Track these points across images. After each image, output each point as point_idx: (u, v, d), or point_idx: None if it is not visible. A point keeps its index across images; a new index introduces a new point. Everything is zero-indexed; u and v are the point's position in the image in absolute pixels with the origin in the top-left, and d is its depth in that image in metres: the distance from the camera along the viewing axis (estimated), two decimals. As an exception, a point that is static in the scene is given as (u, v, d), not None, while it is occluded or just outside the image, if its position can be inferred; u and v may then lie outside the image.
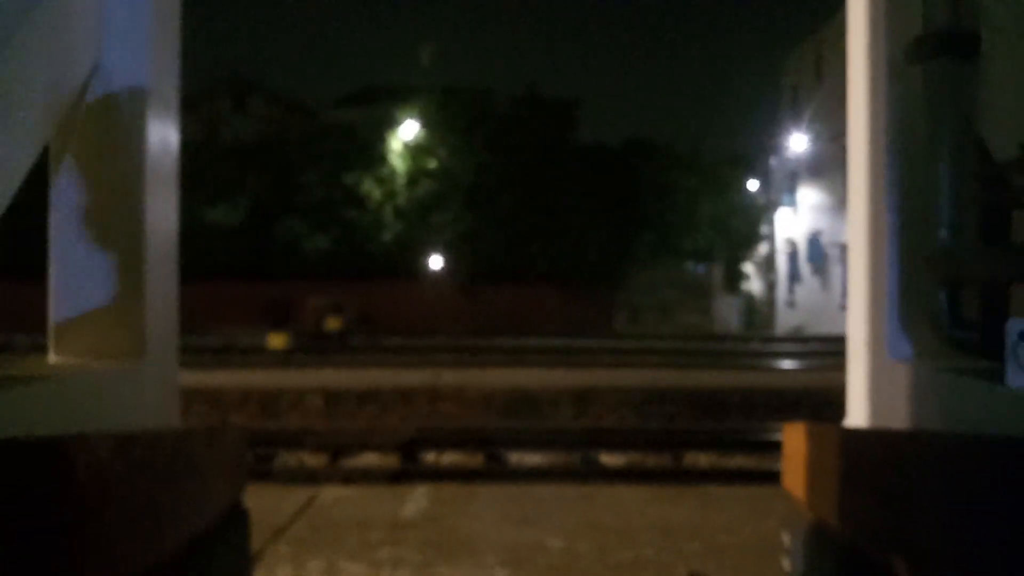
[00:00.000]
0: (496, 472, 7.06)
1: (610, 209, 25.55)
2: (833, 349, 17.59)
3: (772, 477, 6.81)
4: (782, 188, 31.85)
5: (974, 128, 2.28)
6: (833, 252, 29.21)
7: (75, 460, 1.49)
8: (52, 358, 2.37)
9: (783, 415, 9.29)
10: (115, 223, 2.34)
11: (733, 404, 9.72)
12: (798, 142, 31.00)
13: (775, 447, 7.81)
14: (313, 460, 7.09)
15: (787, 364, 14.67)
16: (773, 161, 31.93)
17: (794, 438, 2.62)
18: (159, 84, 2.46)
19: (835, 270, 29.08)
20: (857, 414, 2.62)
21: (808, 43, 31.54)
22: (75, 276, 2.35)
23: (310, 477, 6.32)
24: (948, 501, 1.64)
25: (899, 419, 2.32)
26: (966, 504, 1.55)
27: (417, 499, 5.76)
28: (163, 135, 2.52)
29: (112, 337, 2.32)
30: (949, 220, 2.25)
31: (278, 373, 9.18)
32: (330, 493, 5.80)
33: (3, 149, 1.82)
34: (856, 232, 2.70)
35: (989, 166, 2.25)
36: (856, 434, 2.36)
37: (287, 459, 7.08)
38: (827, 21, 29.37)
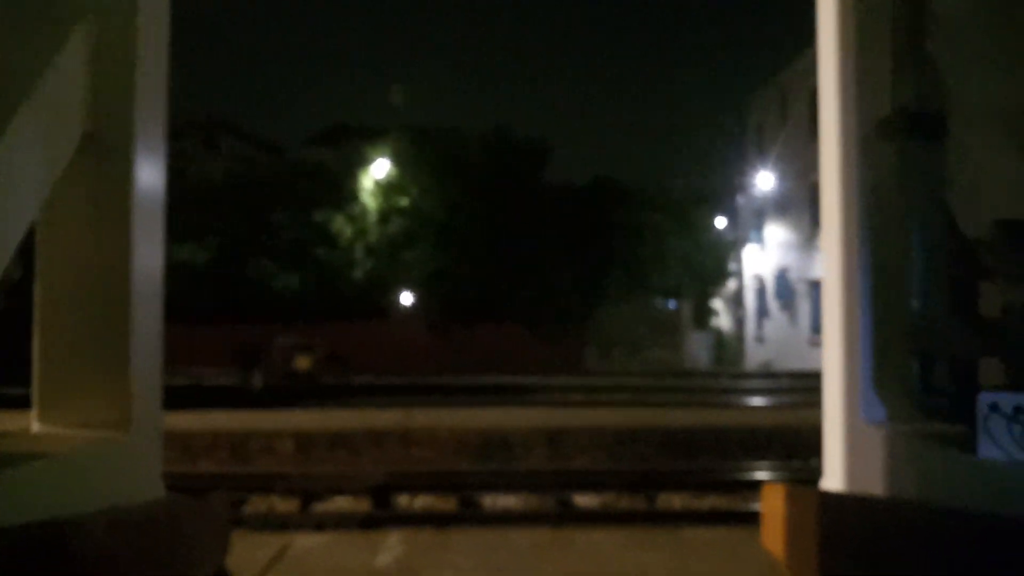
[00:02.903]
0: (470, 517, 7.02)
1: (580, 247, 25.86)
2: (802, 385, 17.81)
3: (746, 519, 6.90)
4: (749, 225, 32.44)
5: (943, 203, 2.41)
6: (800, 288, 29.68)
7: (69, 545, 1.51)
8: (36, 427, 2.36)
9: (755, 454, 9.39)
10: (102, 298, 2.35)
11: (705, 443, 9.77)
12: (764, 180, 31.67)
13: (747, 486, 7.92)
14: (284, 506, 7.00)
15: (757, 401, 14.82)
16: (740, 199, 32.55)
17: (773, 499, 2.69)
18: (147, 152, 2.49)
19: (803, 306, 29.54)
20: (833, 474, 2.70)
21: (773, 83, 32.33)
22: (60, 347, 2.35)
23: (282, 524, 6.24)
24: (926, 572, 1.71)
25: (874, 481, 2.40)
26: (944, 575, 1.62)
27: (392, 547, 5.71)
28: (151, 207, 2.54)
29: (98, 408, 2.33)
30: (920, 291, 2.37)
31: (245, 415, 9.09)
32: (303, 541, 5.74)
33: None
34: (830, 299, 2.81)
35: (958, 240, 2.37)
36: (835, 499, 2.43)
37: (258, 504, 7.00)
38: (791, 63, 30.16)
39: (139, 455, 2.46)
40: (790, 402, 14.34)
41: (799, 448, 9.47)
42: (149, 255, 2.56)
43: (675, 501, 7.86)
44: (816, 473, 8.15)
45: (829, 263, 2.91)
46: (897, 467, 2.30)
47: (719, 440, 9.75)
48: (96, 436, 2.28)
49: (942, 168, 2.44)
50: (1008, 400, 1.78)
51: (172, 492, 2.55)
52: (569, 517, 7.10)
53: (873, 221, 2.65)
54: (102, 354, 2.37)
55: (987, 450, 1.79)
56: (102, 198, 2.38)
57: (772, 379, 20.45)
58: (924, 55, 2.48)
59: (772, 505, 2.62)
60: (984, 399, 1.81)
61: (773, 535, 2.57)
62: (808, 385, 18.01)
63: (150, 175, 2.55)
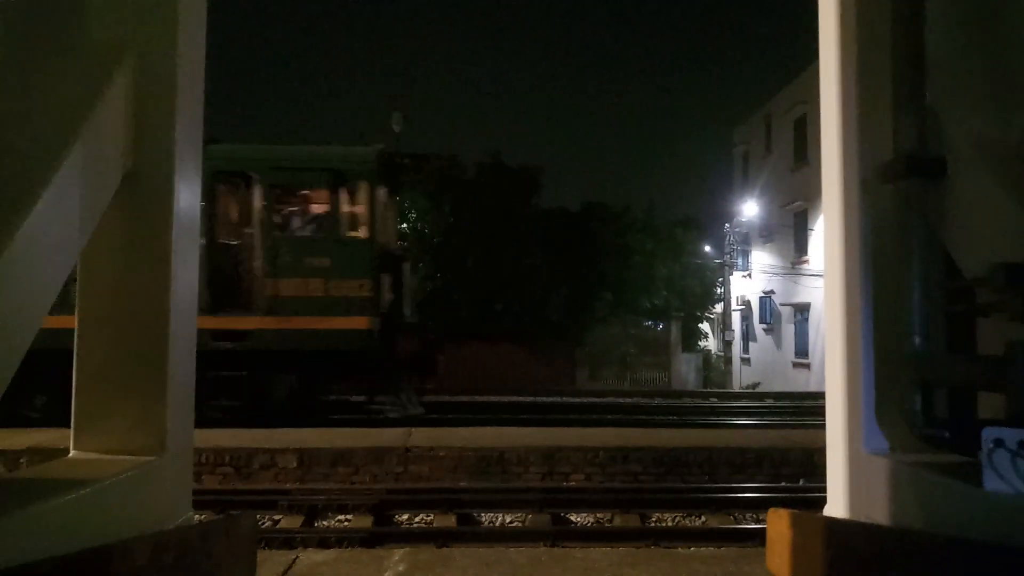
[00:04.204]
0: (470, 535, 7.12)
1: (570, 269, 26.10)
2: (788, 407, 18.02)
3: (739, 537, 7.02)
4: (735, 251, 32.81)
5: (942, 243, 2.55)
6: (785, 312, 29.97)
7: (109, 573, 1.61)
8: (73, 454, 2.43)
9: (744, 474, 9.52)
10: (142, 327, 2.44)
11: (695, 462, 9.87)
12: (750, 208, 32.11)
13: (737, 504, 8.04)
14: (288, 522, 7.07)
15: (745, 421, 14.96)
16: (726, 225, 32.96)
17: (778, 523, 2.80)
18: (186, 187, 2.59)
19: (787, 329, 29.81)
20: (836, 501, 2.83)
21: (759, 114, 32.80)
22: (99, 375, 2.43)
23: (286, 541, 6.31)
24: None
25: (876, 509, 2.54)
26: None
27: (395, 564, 5.79)
28: (188, 239, 2.63)
29: (134, 433, 2.41)
30: (920, 327, 2.51)
31: (251, 432, 9.15)
32: (308, 558, 5.82)
33: (43, 258, 1.95)
34: (832, 333, 2.94)
35: (956, 279, 2.52)
36: (841, 525, 2.56)
37: (262, 521, 7.07)
38: (775, 95, 30.66)
39: (173, 477, 2.54)
40: (777, 423, 14.49)
41: (786, 467, 9.62)
42: (186, 284, 2.64)
43: (668, 517, 7.99)
44: (804, 491, 8.29)
45: (831, 298, 3.03)
46: (900, 496, 2.42)
47: (707, 460, 9.85)
48: (132, 461, 2.35)
49: (941, 209, 2.56)
50: (1012, 435, 1.90)
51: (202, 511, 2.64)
52: (566, 535, 7.22)
53: (874, 258, 2.77)
54: (141, 381, 2.44)
55: (992, 483, 1.91)
56: (143, 230, 2.46)
57: (758, 400, 20.62)
58: (923, 101, 2.60)
59: (778, 529, 2.74)
60: (989, 433, 1.93)
61: (779, 559, 2.69)
62: (794, 407, 18.20)
63: (188, 207, 2.64)
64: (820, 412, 11.98)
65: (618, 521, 7.75)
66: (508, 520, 7.84)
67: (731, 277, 32.92)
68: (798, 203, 28.52)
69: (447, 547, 6.70)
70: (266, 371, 12.02)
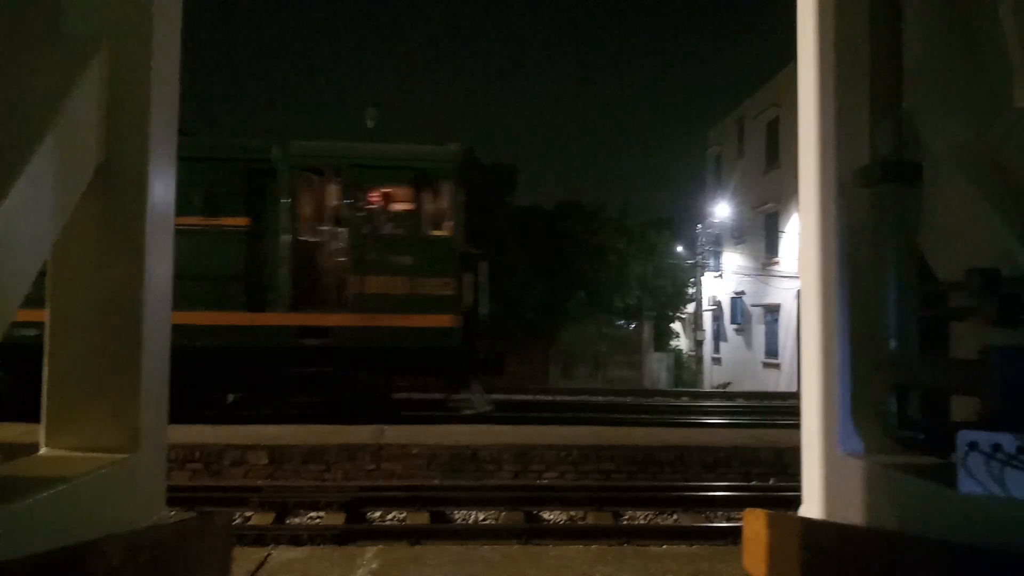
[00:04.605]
0: (443, 532, 7.11)
1: (545, 268, 26.14)
2: (758, 406, 18.22)
3: (710, 535, 7.09)
4: (707, 252, 33.11)
5: (917, 248, 2.59)
6: (755, 313, 30.29)
7: (83, 572, 1.58)
8: (44, 451, 2.38)
9: (715, 472, 9.61)
10: (115, 321, 2.39)
11: (667, 461, 9.94)
12: (722, 209, 32.41)
13: (709, 503, 8.11)
14: (260, 519, 7.01)
15: (715, 420, 15.10)
16: (699, 226, 33.26)
17: (754, 524, 2.82)
18: (160, 180, 2.55)
19: (757, 330, 30.14)
20: (811, 502, 2.86)
21: (732, 116, 33.10)
22: (71, 371, 2.38)
23: (258, 538, 6.25)
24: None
25: (852, 510, 2.57)
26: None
27: (368, 562, 5.77)
28: (162, 233, 2.59)
29: (107, 430, 2.36)
30: (895, 330, 2.54)
31: (221, 428, 9.04)
32: (280, 555, 5.77)
33: (15, 251, 1.91)
34: (808, 335, 2.97)
35: (930, 283, 2.56)
36: (818, 526, 2.59)
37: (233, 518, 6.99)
38: (748, 98, 30.97)
39: (146, 474, 2.50)
40: (747, 422, 14.64)
41: (755, 466, 9.73)
42: (160, 278, 2.60)
43: (639, 515, 8.04)
44: (774, 490, 8.36)
45: (807, 300, 3.06)
46: (875, 497, 2.45)
47: (679, 458, 9.93)
48: (105, 458, 2.30)
49: (916, 214, 2.60)
50: (987, 438, 1.94)
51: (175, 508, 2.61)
52: (539, 533, 7.24)
53: (850, 262, 2.80)
54: (114, 377, 2.40)
55: (967, 485, 1.94)
56: (116, 224, 2.41)
57: (728, 399, 20.83)
58: (900, 107, 2.64)
59: (754, 529, 2.76)
60: (964, 437, 1.96)
61: (755, 559, 2.72)
62: (764, 406, 18.37)
63: (163, 200, 2.60)
64: (790, 412, 12.22)
65: (591, 519, 7.78)
66: (481, 518, 7.84)
67: (703, 277, 33.20)
68: (770, 205, 28.83)
69: (420, 544, 6.68)
70: (349, 368, 12.11)
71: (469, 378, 12.93)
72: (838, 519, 2.64)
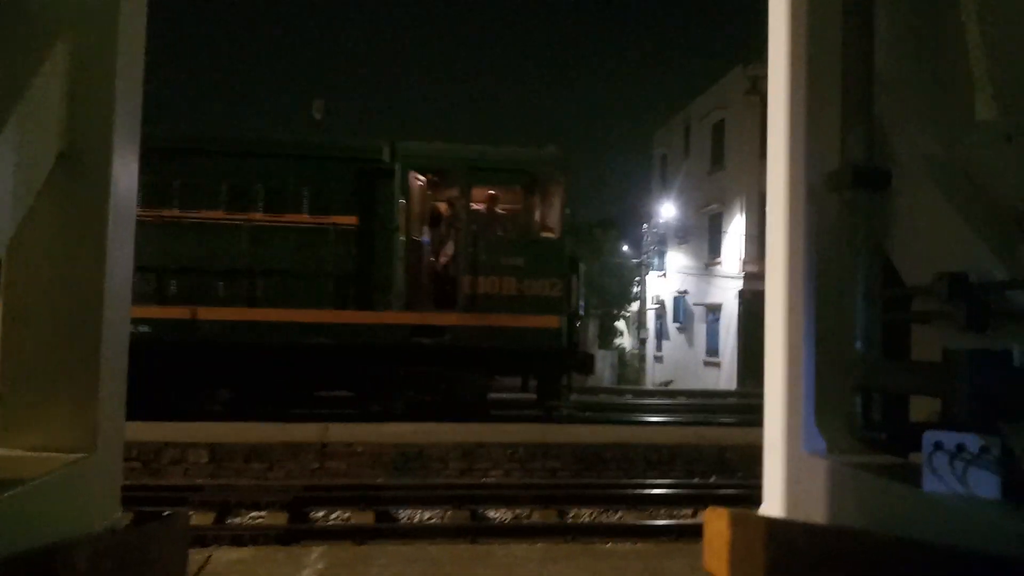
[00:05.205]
0: (389, 532, 7.01)
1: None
2: (699, 404, 18.53)
3: (655, 533, 7.16)
4: (652, 251, 33.55)
5: (884, 253, 2.62)
6: (697, 312, 30.81)
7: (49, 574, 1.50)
8: None
9: (659, 470, 9.73)
10: (74, 317, 2.29)
11: (612, 458, 10.02)
12: (667, 210, 32.87)
13: (653, 501, 8.20)
14: (200, 519, 6.80)
15: (658, 418, 15.29)
16: (644, 226, 33.66)
17: (716, 522, 2.82)
18: (124, 170, 2.45)
19: (699, 328, 30.67)
20: (773, 501, 2.88)
21: (678, 118, 33.58)
22: (26, 367, 2.28)
23: (199, 538, 6.06)
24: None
25: (815, 509, 2.59)
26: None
27: (314, 562, 5.64)
28: (125, 226, 2.49)
29: (63, 430, 2.27)
30: (861, 333, 2.57)
31: (160, 425, 8.75)
32: (222, 556, 5.60)
33: None
34: (773, 336, 2.99)
35: (896, 287, 2.59)
36: (782, 524, 2.60)
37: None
38: (695, 100, 31.48)
39: (103, 475, 2.41)
40: (690, 419, 14.87)
41: (698, 463, 9.89)
42: (121, 273, 2.50)
43: (585, 513, 8.08)
44: (716, 487, 8.50)
45: (773, 302, 3.08)
46: (839, 496, 2.48)
47: (624, 456, 10.02)
48: (61, 459, 2.22)
49: (884, 219, 2.63)
50: (951, 438, 1.97)
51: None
52: (486, 531, 7.20)
53: (817, 265, 2.83)
54: (71, 375, 2.30)
55: (931, 484, 1.97)
56: (76, 215, 2.32)
57: (671, 397, 21.15)
58: (871, 114, 2.67)
59: (716, 528, 2.76)
60: (930, 437, 1.99)
61: (716, 559, 2.72)
62: (705, 404, 18.67)
63: (126, 191, 2.51)
64: (730, 409, 12.47)
65: (537, 517, 7.78)
66: (427, 517, 7.76)
67: (647, 276, 33.62)
68: (713, 206, 29.36)
69: (366, 544, 6.58)
70: (460, 367, 12.21)
71: (566, 378, 13.13)
72: (800, 518, 2.66)
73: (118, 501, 2.55)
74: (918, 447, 2.10)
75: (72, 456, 2.23)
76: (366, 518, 7.35)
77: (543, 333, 12.17)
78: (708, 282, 29.25)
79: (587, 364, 13.25)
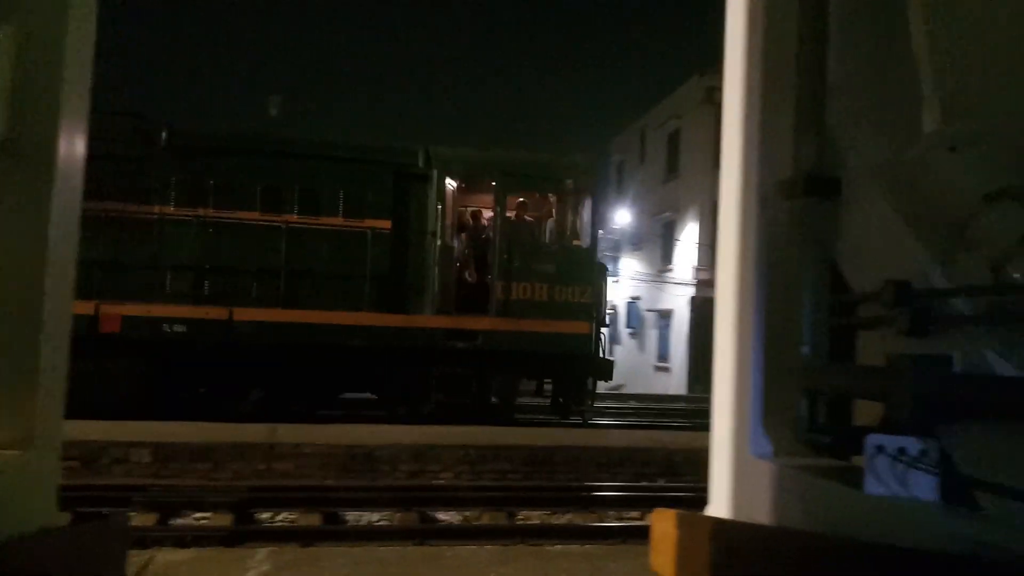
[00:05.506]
0: (337, 533, 6.93)
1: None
2: (651, 408, 18.73)
3: (604, 534, 7.20)
4: (606, 257, 33.76)
5: (832, 259, 2.67)
6: (650, 317, 31.12)
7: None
8: None
9: (609, 472, 9.80)
10: (12, 309, 2.21)
11: (561, 461, 10.06)
12: (622, 216, 33.15)
13: (602, 503, 8.25)
14: (142, 520, 6.63)
15: (609, 421, 15.40)
16: (599, 232, 33.83)
17: (663, 523, 2.84)
18: (69, 159, 2.37)
19: (651, 334, 30.98)
20: (719, 503, 2.91)
21: (635, 126, 33.90)
22: None
23: (139, 540, 5.91)
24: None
25: (760, 510, 2.63)
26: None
27: (259, 564, 5.55)
28: (67, 217, 2.41)
29: None
30: (808, 338, 2.62)
31: (103, 424, 8.51)
32: (164, 557, 5.47)
33: None
34: (723, 341, 3.02)
35: (843, 293, 2.65)
36: (728, 525, 2.63)
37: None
38: (651, 109, 31.84)
39: (40, 474, 2.33)
40: (641, 423, 15.01)
41: (649, 466, 9.99)
42: (63, 265, 2.43)
43: (534, 516, 8.09)
44: (665, 490, 8.59)
45: (723, 307, 3.11)
46: (783, 498, 2.51)
47: (574, 458, 10.06)
48: None
49: (833, 227, 2.68)
50: (892, 442, 2.01)
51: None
52: (435, 533, 7.16)
53: (767, 271, 2.86)
54: (9, 368, 2.23)
55: (872, 487, 2.01)
56: (17, 203, 2.24)
57: (622, 401, 21.32)
58: (824, 124, 2.72)
59: (663, 529, 2.78)
60: (872, 440, 2.03)
61: (663, 559, 2.74)
62: (656, 408, 18.83)
63: (70, 182, 2.43)
64: (680, 414, 12.65)
65: (486, 519, 7.77)
66: (376, 519, 7.69)
67: (600, 282, 33.80)
68: (667, 214, 29.69)
69: (313, 546, 6.48)
70: (492, 371, 12.38)
71: (590, 382, 13.31)
72: (745, 519, 2.69)
73: (55, 501, 2.46)
74: (860, 450, 2.15)
75: (6, 453, 2.15)
76: (314, 520, 7.25)
77: (573, 338, 12.43)
78: (660, 288, 29.57)
79: (608, 369, 13.46)
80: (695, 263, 26.78)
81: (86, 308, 10.24)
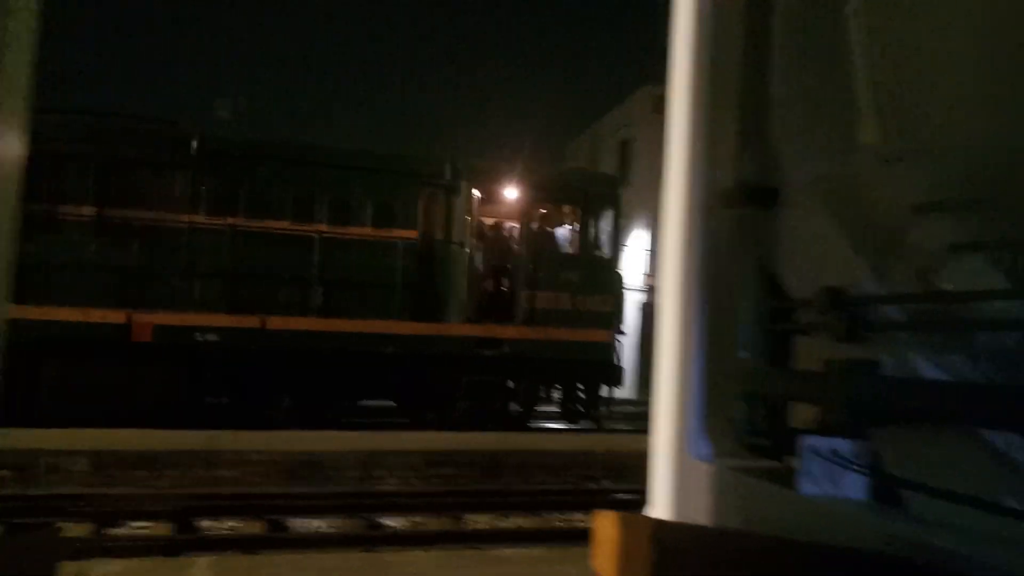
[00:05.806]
0: (281, 541, 6.82)
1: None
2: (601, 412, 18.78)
3: (550, 537, 7.23)
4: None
5: (771, 266, 2.74)
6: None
7: None
8: None
9: (556, 476, 9.86)
10: None
11: (509, 465, 10.09)
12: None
13: (551, 507, 8.29)
14: (77, 530, 6.43)
15: (557, 425, 15.45)
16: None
17: (605, 525, 2.86)
18: (7, 156, 2.30)
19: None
20: (658, 504, 2.96)
21: (587, 133, 34.17)
22: None
23: (75, 551, 5.73)
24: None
25: (700, 511, 2.68)
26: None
27: (200, 573, 5.43)
28: (7, 202, 2.34)
29: None
30: (747, 343, 2.68)
31: (40, 431, 8.23)
32: (100, 568, 5.31)
33: None
34: (665, 346, 3.07)
35: (781, 300, 2.72)
36: (668, 526, 2.67)
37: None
38: (602, 117, 32.13)
39: None
40: (587, 427, 15.09)
41: (594, 469, 10.09)
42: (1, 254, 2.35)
43: (481, 521, 8.08)
44: (609, 492, 8.67)
45: (665, 314, 3.17)
46: (722, 499, 2.57)
47: (521, 463, 10.10)
48: None
49: (772, 235, 2.75)
50: (826, 443, 2.08)
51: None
52: (381, 539, 7.10)
53: (709, 278, 2.92)
54: None
55: (807, 487, 2.07)
56: None
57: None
58: (765, 135, 2.79)
59: (604, 530, 2.81)
60: (806, 442, 2.10)
61: (604, 559, 2.76)
62: (606, 413, 18.96)
63: (7, 177, 2.36)
64: (627, 417, 12.74)
65: (433, 524, 7.74)
66: (321, 526, 7.59)
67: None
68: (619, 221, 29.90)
69: (256, 554, 6.37)
70: (516, 378, 12.64)
71: (608, 390, 13.63)
72: (685, 520, 2.74)
73: None
74: (797, 452, 2.21)
75: None
76: (257, 528, 7.13)
77: (596, 347, 12.82)
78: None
79: (621, 377, 13.72)
80: (645, 270, 27.10)
81: (117, 317, 10.11)
